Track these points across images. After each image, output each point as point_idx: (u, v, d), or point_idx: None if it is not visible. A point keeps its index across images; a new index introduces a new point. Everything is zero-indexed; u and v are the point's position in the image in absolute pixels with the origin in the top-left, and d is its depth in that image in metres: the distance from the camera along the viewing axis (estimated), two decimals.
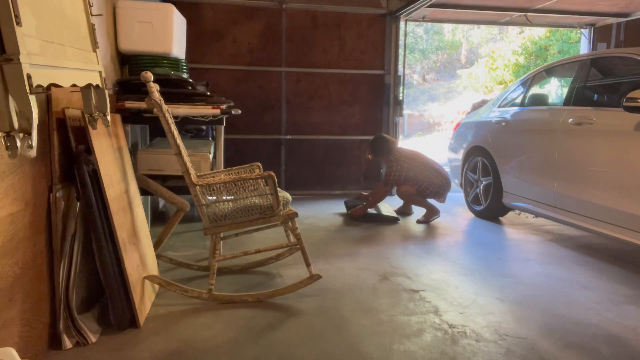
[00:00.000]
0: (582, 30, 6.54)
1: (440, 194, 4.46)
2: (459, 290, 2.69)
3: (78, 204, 2.08)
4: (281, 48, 5.44)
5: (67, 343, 1.94)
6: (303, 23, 5.46)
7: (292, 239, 3.05)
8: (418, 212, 4.66)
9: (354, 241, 3.71)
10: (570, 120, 3.43)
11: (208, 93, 3.19)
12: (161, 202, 4.57)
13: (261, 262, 3.06)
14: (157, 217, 4.28)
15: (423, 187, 4.40)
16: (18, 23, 1.20)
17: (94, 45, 1.92)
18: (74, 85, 1.67)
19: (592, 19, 6.17)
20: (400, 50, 5.69)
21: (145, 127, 4.03)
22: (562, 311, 2.43)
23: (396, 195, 5.43)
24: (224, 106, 3.07)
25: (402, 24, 5.68)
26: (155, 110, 2.31)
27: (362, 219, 4.41)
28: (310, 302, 2.50)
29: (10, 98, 1.20)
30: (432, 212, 4.43)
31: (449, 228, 4.19)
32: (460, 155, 4.96)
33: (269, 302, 2.48)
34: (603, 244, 3.70)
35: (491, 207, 4.42)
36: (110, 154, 2.34)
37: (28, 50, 1.25)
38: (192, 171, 2.40)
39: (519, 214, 4.71)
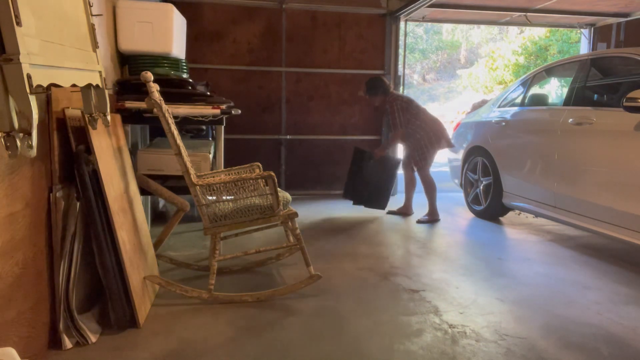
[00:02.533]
0: (582, 30, 6.54)
1: (448, 137, 4.53)
2: (459, 290, 2.69)
3: (78, 204, 2.08)
4: (281, 48, 5.44)
5: (67, 343, 1.94)
6: (303, 23, 5.46)
7: (292, 239, 3.05)
8: (418, 212, 4.66)
9: (354, 241, 3.71)
10: (570, 120, 3.43)
11: (208, 93, 3.19)
12: (161, 202, 4.57)
13: (261, 262, 3.06)
14: (157, 217, 4.28)
15: (434, 139, 4.41)
16: (18, 23, 1.20)
17: (94, 45, 1.92)
18: (74, 85, 1.67)
19: (592, 19, 6.17)
20: (400, 50, 5.69)
21: (145, 127, 4.03)
22: (562, 311, 2.43)
23: (396, 196, 5.43)
24: (224, 106, 3.07)
25: (402, 24, 5.68)
26: (155, 110, 2.31)
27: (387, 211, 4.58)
28: (310, 302, 2.50)
29: (10, 98, 1.21)
30: (434, 215, 4.45)
31: (449, 228, 4.19)
32: (460, 155, 4.96)
33: (269, 302, 2.48)
34: (603, 244, 3.70)
35: (491, 207, 4.42)
36: (110, 154, 2.34)
37: (28, 50, 1.25)
38: (192, 171, 2.40)
39: (519, 214, 4.71)
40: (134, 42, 3.30)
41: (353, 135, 5.74)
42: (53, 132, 1.97)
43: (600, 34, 6.45)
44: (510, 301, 2.55)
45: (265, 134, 5.53)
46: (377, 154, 4.57)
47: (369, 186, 4.62)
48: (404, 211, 4.73)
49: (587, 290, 2.73)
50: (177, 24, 3.50)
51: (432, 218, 4.44)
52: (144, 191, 2.95)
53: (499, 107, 4.54)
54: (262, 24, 5.36)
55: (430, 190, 4.47)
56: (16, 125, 1.23)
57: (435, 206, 4.47)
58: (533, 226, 4.28)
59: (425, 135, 4.40)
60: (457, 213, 4.81)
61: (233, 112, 3.18)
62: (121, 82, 3.12)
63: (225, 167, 3.28)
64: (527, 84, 4.30)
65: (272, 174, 2.39)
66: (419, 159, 4.45)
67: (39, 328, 1.84)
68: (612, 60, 3.58)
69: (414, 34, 24.06)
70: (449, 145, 4.58)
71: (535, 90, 4.33)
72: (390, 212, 4.72)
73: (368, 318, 2.31)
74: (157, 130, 3.98)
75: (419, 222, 4.39)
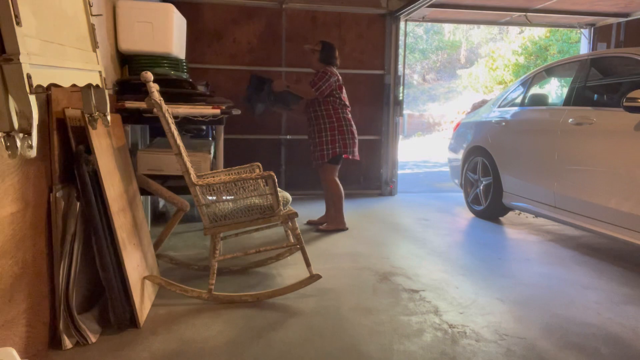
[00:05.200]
0: (582, 30, 6.54)
1: (356, 150, 3.97)
2: (459, 290, 2.69)
3: (78, 204, 2.08)
4: (281, 48, 5.44)
5: (67, 343, 1.94)
6: (303, 23, 5.46)
7: (292, 239, 3.04)
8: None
9: (354, 241, 3.71)
10: (570, 120, 3.43)
11: (208, 93, 3.19)
12: (161, 202, 4.57)
13: (261, 262, 3.06)
14: (157, 217, 4.28)
15: (350, 142, 3.89)
16: (18, 23, 1.20)
17: (94, 45, 1.92)
18: (74, 85, 1.67)
19: (592, 19, 6.17)
20: (400, 50, 5.69)
21: (145, 127, 4.03)
22: (562, 311, 2.43)
23: (397, 196, 5.43)
24: (224, 106, 3.07)
25: (402, 24, 5.68)
26: (155, 110, 2.31)
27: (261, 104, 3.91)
28: (310, 302, 2.50)
29: (10, 98, 1.20)
30: (339, 223, 3.99)
31: (449, 228, 4.19)
32: (460, 155, 4.96)
33: (269, 302, 2.48)
34: (603, 244, 3.70)
35: (491, 207, 4.42)
36: (110, 154, 2.34)
37: (28, 50, 1.25)
38: (192, 171, 2.40)
39: (519, 214, 4.71)
40: (134, 42, 3.30)
41: None
42: (53, 132, 1.97)
43: (600, 34, 6.45)
44: (510, 301, 2.55)
45: (265, 134, 5.53)
46: (277, 86, 3.90)
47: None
48: (334, 226, 4.02)
49: (587, 290, 2.73)
50: (177, 24, 3.49)
51: (336, 227, 3.97)
52: (144, 191, 2.95)
53: (499, 107, 4.54)
54: (262, 24, 5.36)
55: (337, 194, 3.94)
56: (16, 125, 1.23)
57: (342, 213, 3.98)
58: (533, 226, 4.28)
59: (345, 135, 3.87)
60: (457, 213, 4.81)
61: (233, 112, 3.17)
62: (121, 82, 3.12)
63: (225, 167, 3.28)
64: (527, 84, 4.30)
65: (272, 174, 2.39)
66: (328, 153, 3.86)
67: (39, 328, 1.84)
68: (612, 60, 3.58)
69: (414, 34, 24.07)
70: (355, 157, 3.99)
71: (535, 90, 4.33)
72: (310, 223, 4.19)
73: (368, 318, 2.31)
74: (157, 130, 3.98)
75: (309, 223, 4.12)
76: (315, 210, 4.85)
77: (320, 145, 3.89)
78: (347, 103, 3.99)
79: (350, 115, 3.99)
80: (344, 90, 3.98)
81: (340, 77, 3.95)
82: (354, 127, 3.98)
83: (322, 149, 3.88)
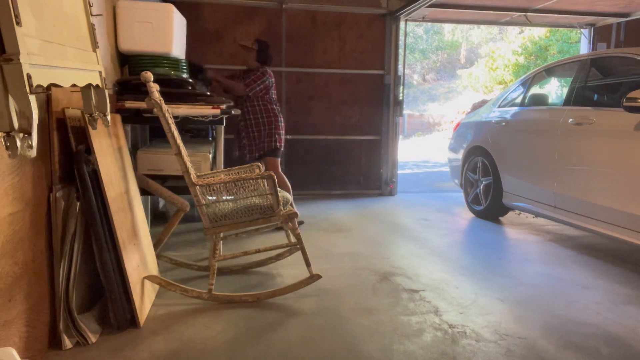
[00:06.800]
0: (582, 30, 6.54)
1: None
2: (459, 290, 2.69)
3: (78, 204, 2.08)
4: (281, 48, 5.44)
5: (67, 343, 1.94)
6: (303, 23, 5.46)
7: (292, 239, 3.05)
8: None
9: (354, 241, 3.71)
10: (570, 120, 3.43)
11: (208, 93, 3.19)
12: (161, 202, 4.57)
13: (261, 262, 3.06)
14: (157, 217, 4.28)
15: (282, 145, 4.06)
16: (18, 23, 1.20)
17: (94, 45, 1.92)
18: (74, 85, 1.67)
19: (592, 19, 6.17)
20: (400, 50, 5.69)
21: (145, 127, 4.03)
22: (562, 311, 2.43)
23: (397, 196, 5.42)
24: (224, 106, 3.07)
25: (402, 24, 5.68)
26: (155, 110, 2.31)
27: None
28: (310, 302, 2.50)
29: (10, 98, 1.21)
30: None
31: (449, 228, 4.19)
32: (460, 155, 4.96)
33: (269, 302, 2.48)
34: (603, 244, 3.70)
35: (491, 207, 4.42)
36: (110, 154, 2.34)
37: (28, 50, 1.25)
38: (192, 171, 2.40)
39: (519, 214, 4.71)
40: (134, 42, 3.30)
41: (353, 135, 5.74)
42: (53, 132, 1.97)
43: (600, 34, 6.45)
44: (510, 301, 2.55)
45: None
46: (214, 75, 3.99)
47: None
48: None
49: (587, 290, 2.73)
50: (177, 24, 3.49)
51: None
52: (144, 191, 2.95)
53: (499, 107, 4.54)
54: (262, 24, 5.36)
55: (285, 189, 3.98)
56: (16, 125, 1.23)
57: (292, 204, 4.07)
58: (533, 226, 4.28)
59: (280, 130, 4.04)
60: (457, 213, 4.81)
61: (233, 112, 3.17)
62: (121, 82, 3.12)
63: (225, 167, 3.28)
64: (527, 84, 4.30)
65: (272, 174, 2.39)
66: (263, 147, 3.99)
67: (39, 328, 1.84)
68: (612, 60, 3.58)
69: (414, 34, 24.08)
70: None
71: (535, 90, 4.33)
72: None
73: (368, 318, 2.31)
74: (157, 130, 3.97)
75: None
76: (314, 210, 4.85)
77: (260, 139, 4.00)
78: (278, 108, 4.14)
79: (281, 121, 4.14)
80: (275, 91, 4.14)
81: (273, 79, 4.10)
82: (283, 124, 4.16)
83: (262, 141, 4.00)
